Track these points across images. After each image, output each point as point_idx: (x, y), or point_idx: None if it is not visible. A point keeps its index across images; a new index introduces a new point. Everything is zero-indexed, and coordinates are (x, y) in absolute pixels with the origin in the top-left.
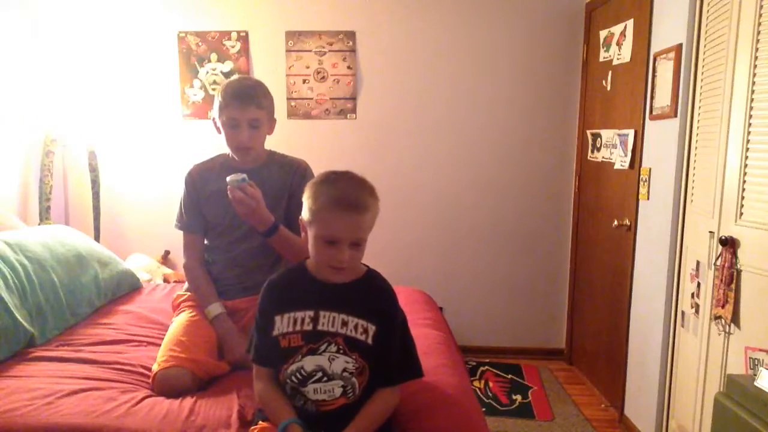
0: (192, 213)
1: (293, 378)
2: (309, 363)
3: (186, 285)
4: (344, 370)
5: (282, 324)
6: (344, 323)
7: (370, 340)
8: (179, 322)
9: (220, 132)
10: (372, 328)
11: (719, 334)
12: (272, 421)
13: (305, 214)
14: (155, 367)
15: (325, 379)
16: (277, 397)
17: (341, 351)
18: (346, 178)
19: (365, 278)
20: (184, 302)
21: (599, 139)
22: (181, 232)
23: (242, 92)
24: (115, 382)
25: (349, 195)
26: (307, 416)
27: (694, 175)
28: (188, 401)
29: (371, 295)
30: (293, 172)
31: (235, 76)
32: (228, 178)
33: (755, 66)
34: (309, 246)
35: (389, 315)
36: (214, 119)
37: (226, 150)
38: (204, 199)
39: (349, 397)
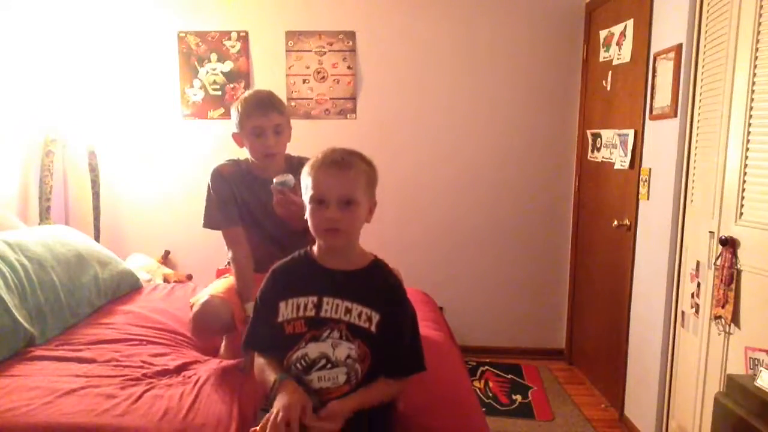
0: (230, 206)
1: (297, 365)
2: (313, 350)
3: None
4: (348, 356)
5: (286, 310)
6: (348, 310)
7: (373, 328)
8: (222, 280)
9: (242, 145)
10: (376, 317)
11: (719, 334)
12: (266, 388)
13: (303, 191)
14: (196, 299)
15: (329, 366)
16: (267, 362)
17: (344, 337)
18: (338, 148)
19: (371, 266)
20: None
21: (599, 139)
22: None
23: (263, 101)
24: (115, 377)
25: (334, 154)
26: None
27: (694, 175)
28: (188, 399)
29: (376, 284)
30: None
31: (250, 90)
32: (275, 179)
33: (755, 66)
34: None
35: (394, 304)
36: (234, 134)
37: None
38: (239, 196)
39: (352, 384)
